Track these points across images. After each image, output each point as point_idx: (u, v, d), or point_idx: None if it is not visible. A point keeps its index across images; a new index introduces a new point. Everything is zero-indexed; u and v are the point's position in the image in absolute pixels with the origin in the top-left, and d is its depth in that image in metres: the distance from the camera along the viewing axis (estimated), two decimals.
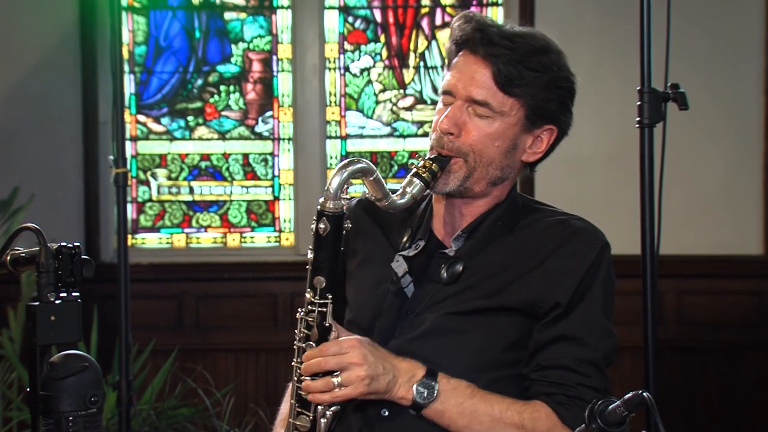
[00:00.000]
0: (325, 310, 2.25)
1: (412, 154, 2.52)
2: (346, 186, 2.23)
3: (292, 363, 2.30)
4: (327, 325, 2.26)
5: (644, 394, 2.00)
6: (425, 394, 2.29)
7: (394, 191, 2.31)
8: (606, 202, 5.66)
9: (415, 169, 2.35)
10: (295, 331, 2.30)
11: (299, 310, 2.28)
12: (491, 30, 2.37)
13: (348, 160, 2.24)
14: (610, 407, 2.04)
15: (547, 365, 2.37)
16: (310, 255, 2.26)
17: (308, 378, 2.25)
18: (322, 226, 2.23)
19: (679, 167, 5.38)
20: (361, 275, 2.57)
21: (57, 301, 1.86)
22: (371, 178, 2.25)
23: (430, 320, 2.40)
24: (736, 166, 5.84)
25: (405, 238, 2.51)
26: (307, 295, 2.26)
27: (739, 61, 5.84)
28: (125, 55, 5.92)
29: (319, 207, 2.23)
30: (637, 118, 2.91)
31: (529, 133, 2.44)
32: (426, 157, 2.38)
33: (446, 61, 2.48)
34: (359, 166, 2.23)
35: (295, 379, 2.30)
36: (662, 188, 2.91)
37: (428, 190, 2.37)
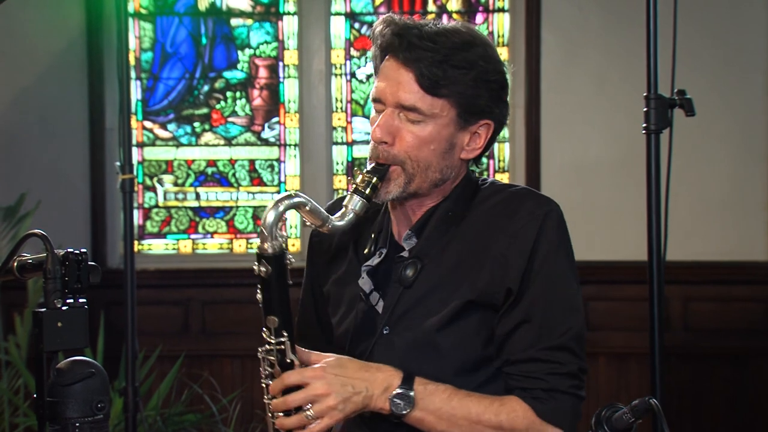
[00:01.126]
0: (283, 347, 2.24)
1: (355, 171, 2.45)
2: (280, 223, 2.21)
3: (264, 399, 2.30)
4: (288, 361, 2.24)
5: (651, 400, 2.00)
6: (402, 405, 2.28)
7: (338, 209, 2.30)
8: (612, 208, 5.65)
9: (354, 186, 2.31)
10: (260, 368, 2.29)
11: (259, 349, 2.28)
12: (412, 32, 2.33)
13: (282, 195, 2.21)
14: (617, 414, 2.04)
15: (516, 359, 2.34)
16: (258, 296, 2.25)
17: (281, 414, 2.25)
18: (263, 269, 2.21)
19: (686, 173, 5.38)
20: (335, 296, 2.57)
21: (64, 308, 1.86)
22: (307, 209, 2.22)
23: (406, 336, 2.39)
24: (742, 173, 5.83)
25: (368, 249, 2.50)
26: (264, 335, 2.26)
27: (746, 68, 5.83)
28: (132, 61, 5.93)
29: (257, 250, 2.22)
30: (644, 125, 2.91)
31: (464, 131, 2.39)
32: (364, 171, 2.34)
33: (373, 68, 2.46)
34: (292, 201, 2.20)
35: (270, 415, 2.29)
36: (669, 194, 2.91)
37: (371, 202, 2.33)
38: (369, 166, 2.36)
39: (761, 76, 5.81)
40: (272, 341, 2.24)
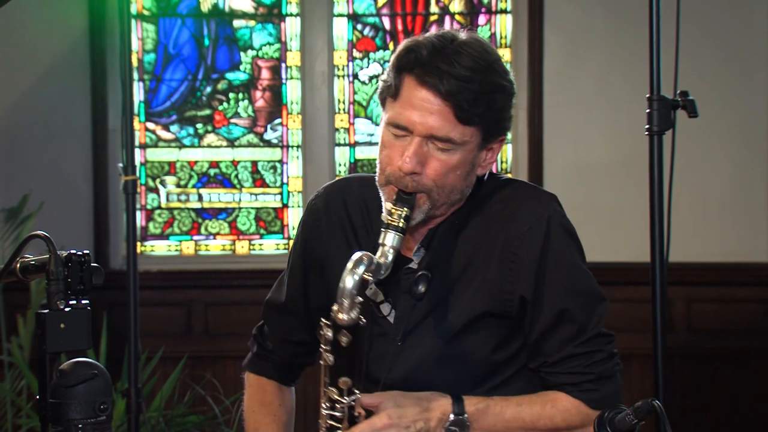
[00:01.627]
0: (353, 404, 2.27)
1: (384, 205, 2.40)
2: (356, 290, 2.18)
3: None
4: (356, 414, 2.28)
5: (654, 401, 2.00)
6: (457, 431, 2.32)
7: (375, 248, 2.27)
8: (615, 209, 5.65)
9: (388, 221, 2.28)
10: (319, 421, 2.31)
11: (324, 405, 2.29)
12: (441, 59, 2.27)
13: (354, 258, 2.19)
14: (620, 415, 2.04)
15: (554, 360, 2.38)
16: (327, 357, 2.25)
17: None
18: (344, 339, 2.22)
19: (689, 175, 5.38)
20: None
21: (66, 309, 1.87)
22: (372, 267, 2.21)
23: (418, 353, 2.41)
24: (745, 174, 5.83)
25: None
26: (331, 393, 2.28)
27: (749, 69, 5.83)
28: (134, 62, 5.93)
29: (334, 318, 2.20)
30: (647, 126, 2.91)
31: (483, 150, 2.39)
32: (392, 205, 2.30)
33: (387, 88, 2.35)
34: (365, 264, 2.19)
35: None
36: (671, 196, 2.91)
37: (405, 234, 2.30)
38: (393, 197, 2.32)
39: (763, 77, 5.81)
40: (344, 400, 2.26)
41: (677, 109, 2.91)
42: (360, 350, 2.45)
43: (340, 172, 6.07)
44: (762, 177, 5.81)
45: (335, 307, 2.19)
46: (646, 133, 2.91)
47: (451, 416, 2.31)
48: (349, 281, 2.16)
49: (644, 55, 2.92)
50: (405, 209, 2.29)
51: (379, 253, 2.25)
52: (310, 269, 2.61)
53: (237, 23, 6.11)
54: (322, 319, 2.24)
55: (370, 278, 2.23)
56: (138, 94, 6.01)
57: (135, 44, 6.00)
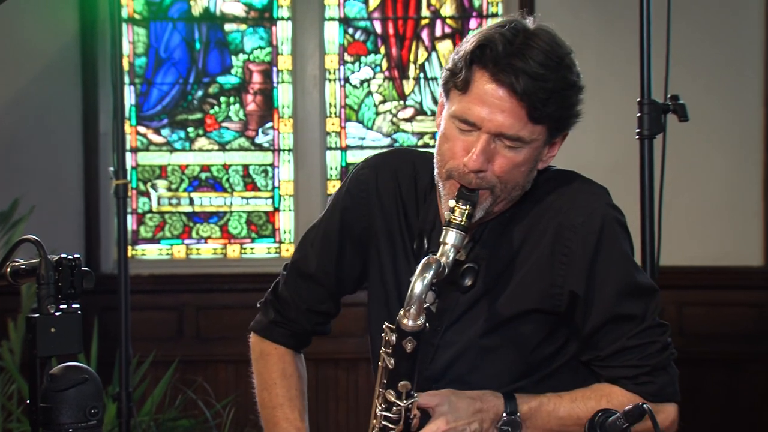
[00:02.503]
0: (411, 407, 2.23)
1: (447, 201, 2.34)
2: (425, 295, 2.14)
3: None
4: (412, 416, 2.25)
5: (644, 405, 2.00)
6: (510, 430, 2.31)
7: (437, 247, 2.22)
8: None
9: (449, 219, 2.22)
10: (373, 421, 2.28)
11: (380, 405, 2.25)
12: (515, 55, 2.23)
13: (424, 263, 2.15)
14: (611, 419, 2.04)
15: (607, 354, 2.35)
16: (388, 360, 2.19)
17: None
18: (409, 345, 2.16)
19: (680, 178, 5.38)
20: (389, 279, 2.52)
21: (57, 313, 1.86)
22: (440, 270, 2.17)
23: (459, 343, 2.40)
24: (736, 178, 5.84)
25: (416, 244, 2.45)
26: (389, 396, 2.22)
27: (740, 73, 5.84)
28: (126, 66, 5.93)
29: (401, 324, 2.15)
30: (637, 130, 2.91)
31: (547, 146, 2.36)
32: (456, 202, 2.24)
33: (455, 80, 2.31)
34: (434, 269, 2.14)
35: None
36: (662, 199, 2.92)
37: (467, 232, 2.25)
38: (454, 191, 2.27)
39: (755, 81, 5.82)
40: (402, 403, 2.22)
41: (668, 113, 2.91)
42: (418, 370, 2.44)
43: (331, 176, 6.07)
44: (753, 181, 5.82)
45: (402, 312, 2.14)
46: (637, 137, 2.92)
47: (504, 416, 2.30)
48: (418, 286, 2.12)
49: (635, 59, 2.93)
50: (468, 207, 2.23)
51: (440, 252, 2.20)
52: (347, 240, 2.56)
53: (228, 27, 6.11)
54: (386, 323, 2.19)
55: (435, 280, 2.18)
56: (129, 97, 6.01)
57: (126, 48, 5.99)
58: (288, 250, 6.07)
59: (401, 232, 2.50)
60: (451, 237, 2.21)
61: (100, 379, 1.90)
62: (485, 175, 2.26)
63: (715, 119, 5.71)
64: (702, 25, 5.71)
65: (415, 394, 2.22)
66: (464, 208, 2.23)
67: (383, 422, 2.25)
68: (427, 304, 2.14)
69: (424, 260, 2.16)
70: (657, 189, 2.92)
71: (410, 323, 2.13)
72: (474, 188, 2.26)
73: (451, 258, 2.20)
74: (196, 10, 6.09)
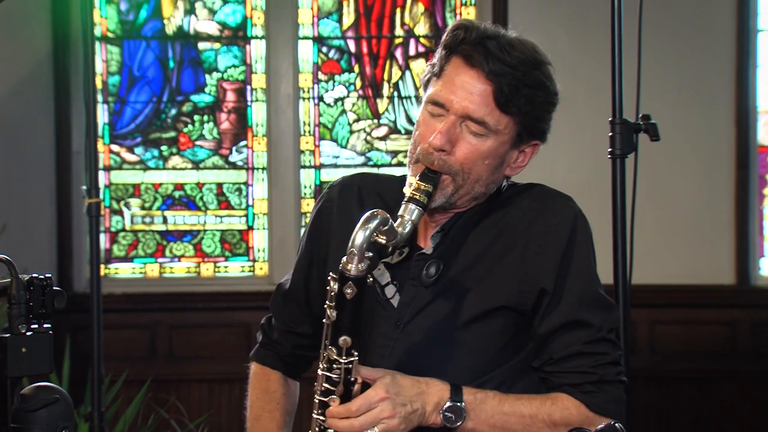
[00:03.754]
0: (350, 366, 2.21)
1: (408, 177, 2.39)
2: (367, 244, 2.14)
3: (314, 415, 2.27)
4: (352, 379, 2.22)
5: (616, 424, 2.00)
6: (453, 418, 2.28)
7: (394, 219, 2.24)
8: None
9: (410, 194, 2.27)
10: (315, 384, 2.25)
11: (321, 365, 2.23)
12: (491, 43, 2.28)
13: (367, 214, 2.16)
14: None
15: (560, 357, 2.34)
16: (330, 313, 2.18)
17: None
18: (349, 291, 2.15)
19: (652, 197, 5.42)
20: None
21: (28, 333, 1.85)
22: (386, 228, 2.18)
23: (422, 335, 2.38)
24: (708, 196, 5.88)
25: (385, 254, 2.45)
26: (330, 354, 2.20)
27: (711, 93, 5.88)
28: (99, 84, 5.91)
29: (342, 269, 2.15)
30: (609, 149, 2.92)
31: (516, 149, 2.38)
32: (417, 179, 2.29)
33: (432, 69, 2.36)
34: (379, 220, 2.15)
35: (317, 431, 2.27)
36: (634, 218, 2.93)
37: (426, 210, 2.29)
38: (419, 173, 2.31)
39: (726, 101, 5.86)
40: (342, 360, 2.20)
41: (639, 133, 2.93)
42: (361, 330, 2.40)
43: (305, 194, 6.07)
44: (725, 199, 5.86)
45: (344, 259, 2.15)
46: (609, 156, 2.93)
47: (449, 402, 2.27)
48: (360, 236, 2.13)
49: (607, 79, 2.94)
50: (429, 186, 2.27)
51: (397, 223, 2.23)
52: (314, 258, 2.57)
53: (202, 45, 6.11)
54: (331, 273, 2.18)
55: (383, 241, 2.20)
56: (102, 116, 6.00)
57: (99, 66, 5.98)
58: (262, 269, 6.06)
59: None
60: (409, 211, 2.25)
61: (72, 399, 1.90)
62: (448, 158, 2.30)
63: (687, 138, 5.75)
64: (674, 44, 5.75)
65: (356, 353, 2.20)
66: (424, 185, 2.27)
67: (324, 384, 2.23)
68: (370, 254, 2.15)
69: (368, 212, 2.17)
70: (629, 207, 2.93)
71: (351, 268, 2.14)
72: (436, 170, 2.30)
73: (406, 230, 2.23)
74: (170, 29, 6.09)
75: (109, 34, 6.08)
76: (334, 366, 2.21)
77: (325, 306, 2.20)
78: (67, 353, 5.11)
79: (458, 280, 2.37)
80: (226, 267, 6.09)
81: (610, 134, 2.92)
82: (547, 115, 2.39)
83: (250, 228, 6.11)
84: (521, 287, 2.34)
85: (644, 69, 2.97)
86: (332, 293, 2.17)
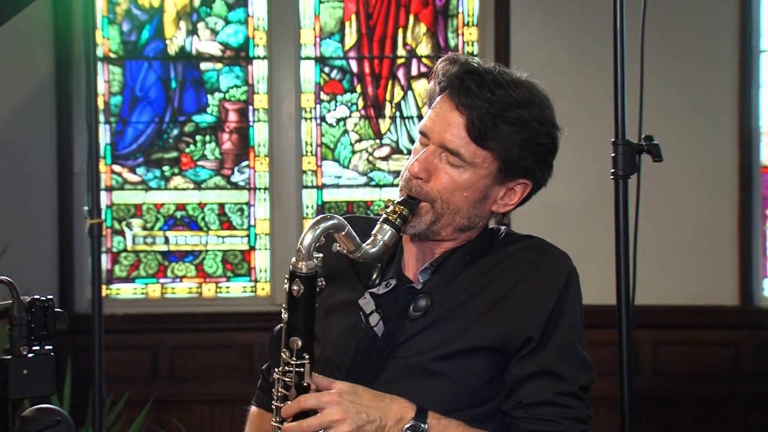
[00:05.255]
0: (302, 370, 2.21)
1: (386, 200, 2.42)
2: (317, 244, 2.20)
3: (272, 423, 2.27)
4: (305, 384, 2.22)
5: None
6: None
7: (365, 240, 2.28)
8: (581, 251, 5.61)
9: (385, 215, 2.31)
10: (272, 390, 2.27)
11: (275, 369, 2.25)
12: (472, 78, 2.33)
13: (319, 216, 2.22)
14: None
15: (529, 402, 2.34)
16: (284, 314, 2.22)
17: None
18: (295, 288, 2.19)
19: (655, 218, 5.41)
20: (332, 311, 2.52)
21: (30, 355, 1.85)
22: (343, 234, 2.23)
23: (404, 363, 2.37)
24: (711, 218, 5.87)
25: (375, 275, 2.48)
26: (283, 356, 2.22)
27: (714, 113, 5.88)
28: (101, 105, 5.93)
29: (291, 268, 2.20)
30: (612, 170, 2.92)
31: (501, 185, 2.41)
32: (395, 202, 2.34)
33: (428, 98, 2.44)
34: (331, 222, 2.20)
35: None
36: (637, 239, 2.92)
37: (400, 233, 2.33)
38: (399, 198, 2.36)
39: (729, 122, 5.86)
40: (293, 362, 2.21)
41: (642, 154, 2.92)
42: (340, 358, 2.43)
43: (307, 214, 6.07)
44: (728, 220, 5.85)
45: (293, 258, 2.20)
46: (612, 177, 2.92)
47: (411, 422, 2.25)
48: (308, 237, 2.19)
49: (610, 99, 2.94)
50: (406, 210, 2.33)
51: (369, 241, 2.28)
52: None
53: (204, 66, 6.12)
54: (286, 276, 2.22)
55: (344, 249, 2.26)
56: (104, 136, 6.01)
57: (101, 87, 5.99)
58: (264, 289, 6.05)
59: (351, 276, 2.53)
60: (383, 232, 2.29)
61: (73, 421, 1.89)
62: (425, 185, 2.35)
63: (690, 159, 5.75)
64: (676, 65, 5.76)
65: (307, 356, 2.20)
66: (400, 208, 2.32)
67: (280, 389, 2.23)
68: (319, 255, 2.20)
69: (321, 215, 2.22)
70: (632, 228, 2.93)
71: (300, 266, 2.18)
72: (415, 197, 2.35)
73: (374, 249, 2.28)
74: (172, 49, 6.10)
75: (112, 55, 6.09)
76: (287, 368, 2.22)
77: (282, 308, 2.23)
78: (68, 374, 5.10)
79: (446, 317, 2.38)
80: (227, 287, 6.09)
81: (613, 155, 2.91)
82: (530, 154, 2.39)
83: (252, 248, 6.10)
84: (509, 332, 2.35)
85: (647, 90, 2.97)
86: (286, 297, 2.21)
